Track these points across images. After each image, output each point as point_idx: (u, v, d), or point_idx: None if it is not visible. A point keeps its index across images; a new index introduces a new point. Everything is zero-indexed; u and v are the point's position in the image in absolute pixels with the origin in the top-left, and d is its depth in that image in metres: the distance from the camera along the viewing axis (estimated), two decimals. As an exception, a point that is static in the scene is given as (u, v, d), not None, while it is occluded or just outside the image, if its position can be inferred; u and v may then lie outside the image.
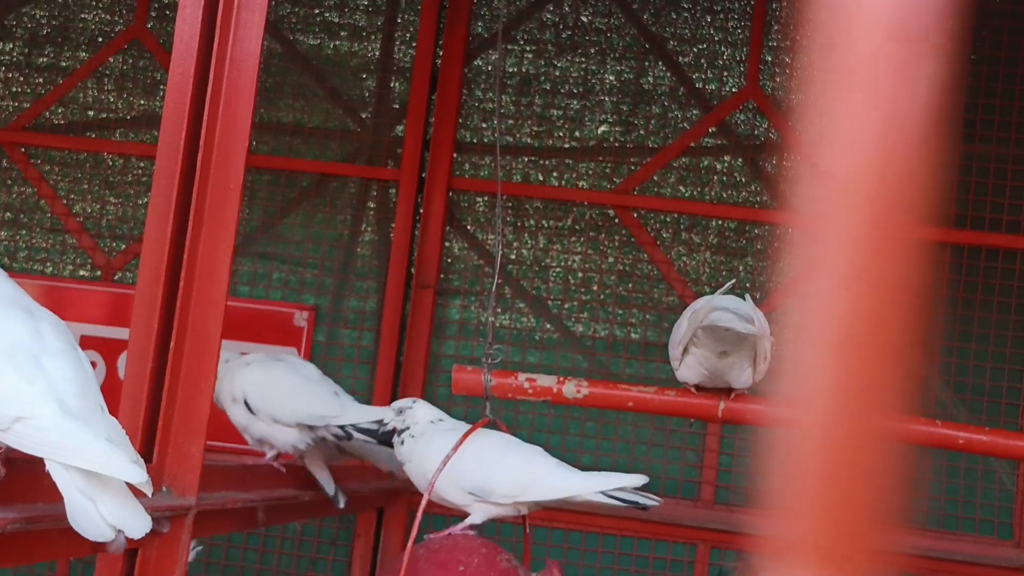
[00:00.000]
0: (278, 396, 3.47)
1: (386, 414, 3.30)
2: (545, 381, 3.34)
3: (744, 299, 3.20)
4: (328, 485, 3.63)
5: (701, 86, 5.31)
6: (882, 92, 0.49)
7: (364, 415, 3.45)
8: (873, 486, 0.40)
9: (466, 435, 3.06)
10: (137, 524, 2.07)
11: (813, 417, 0.45)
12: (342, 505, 3.73)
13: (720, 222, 5.23)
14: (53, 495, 2.27)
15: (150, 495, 2.15)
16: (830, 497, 0.40)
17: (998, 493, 4.97)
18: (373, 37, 5.50)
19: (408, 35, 5.46)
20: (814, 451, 0.42)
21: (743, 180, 5.27)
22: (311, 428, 3.49)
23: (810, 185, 0.46)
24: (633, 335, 5.18)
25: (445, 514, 3.21)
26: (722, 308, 3.08)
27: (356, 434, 3.42)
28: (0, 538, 2.09)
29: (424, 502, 3.04)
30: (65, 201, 5.41)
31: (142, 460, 2.09)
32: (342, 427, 3.45)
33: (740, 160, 5.27)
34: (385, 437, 3.29)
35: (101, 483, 2.01)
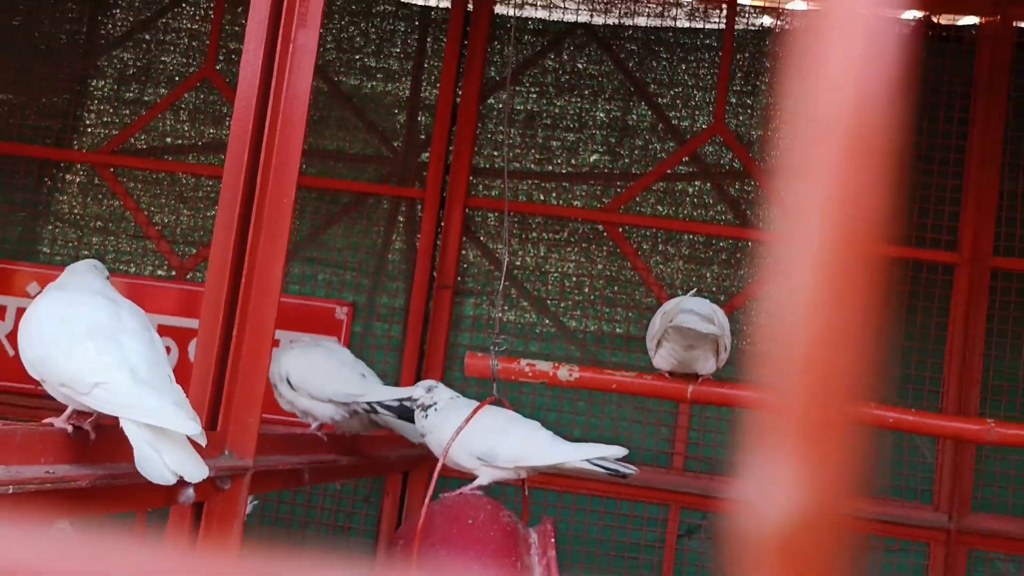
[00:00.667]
0: (313, 376, 3.45)
1: (414, 391, 3.28)
2: (543, 366, 3.34)
3: (708, 301, 3.21)
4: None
5: (676, 123, 5.31)
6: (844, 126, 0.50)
7: (386, 394, 3.43)
8: (838, 459, 0.40)
9: (476, 410, 3.07)
10: (195, 471, 2.06)
11: (786, 401, 0.44)
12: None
13: (691, 236, 5.23)
14: (132, 456, 2.29)
15: (204, 445, 2.11)
16: (802, 468, 0.39)
17: (921, 465, 4.98)
18: (403, 79, 5.50)
19: (433, 77, 5.45)
20: (787, 432, 0.42)
21: (710, 202, 5.26)
22: (343, 404, 3.47)
23: (785, 190, 0.49)
24: (618, 329, 5.18)
25: (457, 477, 3.22)
26: (687, 310, 3.09)
27: (380, 409, 3.41)
28: (89, 491, 2.09)
29: (439, 466, 3.07)
30: (146, 213, 5.39)
31: (198, 418, 2.08)
32: (368, 403, 3.44)
33: (708, 185, 5.27)
34: (405, 411, 3.29)
35: (166, 437, 2.02)
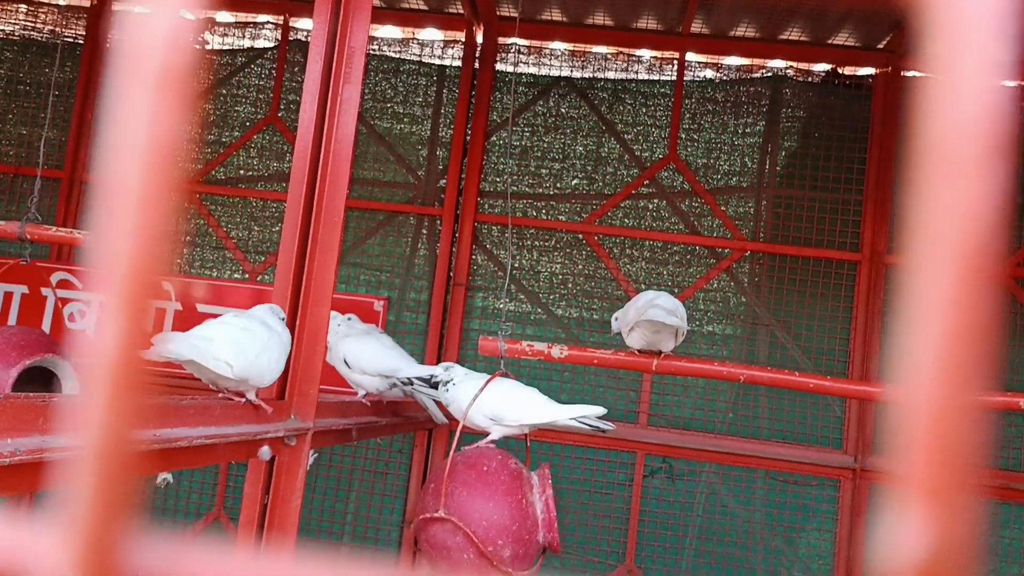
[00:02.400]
0: (366, 356, 3.50)
1: (435, 370, 3.31)
2: (540, 346, 3.34)
3: (672, 297, 3.22)
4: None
5: (639, 154, 5.32)
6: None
7: (420, 371, 3.43)
8: (964, 445, 0.38)
9: (488, 381, 3.10)
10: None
11: (918, 392, 0.42)
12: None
13: (651, 243, 5.24)
14: (220, 420, 2.31)
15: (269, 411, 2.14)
16: (934, 453, 0.38)
17: (832, 418, 5.01)
18: (425, 122, 5.51)
19: (448, 120, 5.47)
20: (920, 420, 0.40)
21: (666, 215, 5.27)
22: (386, 377, 3.51)
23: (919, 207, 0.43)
24: (595, 316, 5.20)
25: (472, 435, 3.24)
26: (656, 306, 3.11)
27: (416, 382, 3.41)
28: (190, 449, 2.11)
29: (460, 427, 3.08)
30: (224, 229, 5.41)
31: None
32: (407, 377, 3.45)
33: (664, 202, 5.28)
34: (434, 385, 3.32)
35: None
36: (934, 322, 0.18)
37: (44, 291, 4.92)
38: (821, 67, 5.30)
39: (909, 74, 5.12)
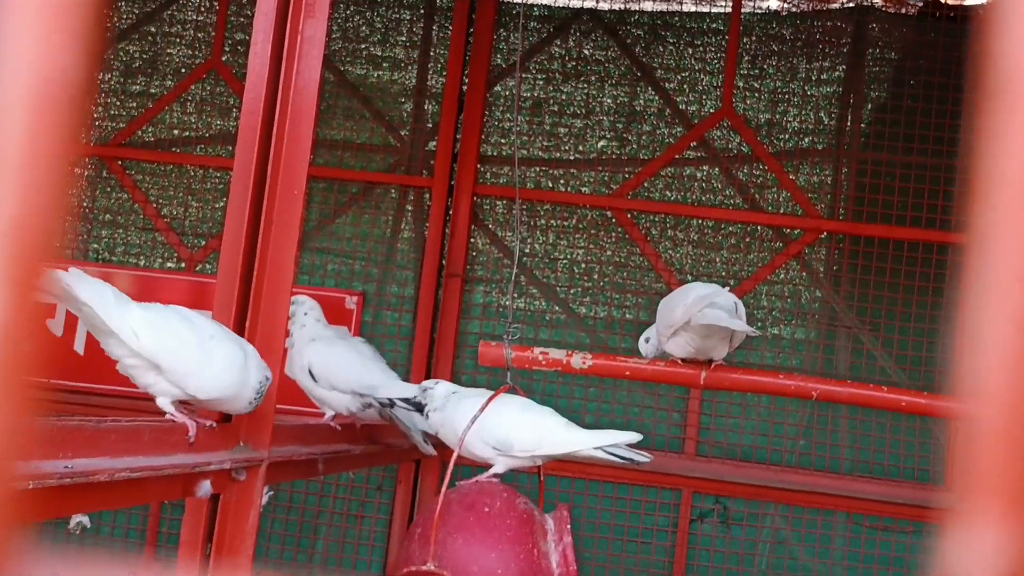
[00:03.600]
0: (337, 368, 3.48)
1: (415, 391, 3.30)
2: (556, 354, 3.35)
3: (725, 291, 3.21)
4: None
5: (684, 107, 5.31)
6: None
7: (403, 390, 3.42)
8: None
9: (490, 399, 3.06)
10: None
11: (992, 403, 0.43)
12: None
13: (700, 221, 5.23)
14: (150, 448, 2.32)
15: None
16: (1012, 465, 0.39)
17: (934, 447, 4.98)
18: (410, 67, 5.51)
19: (439, 66, 5.46)
20: (994, 432, 0.41)
21: (719, 186, 5.26)
22: (361, 395, 3.50)
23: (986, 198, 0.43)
24: (627, 316, 5.19)
25: (471, 466, 3.23)
26: (714, 305, 3.10)
27: (398, 402, 3.41)
28: (111, 484, 2.10)
29: (455, 455, 3.06)
30: (155, 205, 5.42)
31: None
32: (388, 398, 3.45)
33: (716, 169, 5.27)
34: (419, 407, 3.32)
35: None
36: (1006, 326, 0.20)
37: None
38: (918, -4, 5.26)
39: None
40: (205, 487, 2.53)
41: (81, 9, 0.24)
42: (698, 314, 3.06)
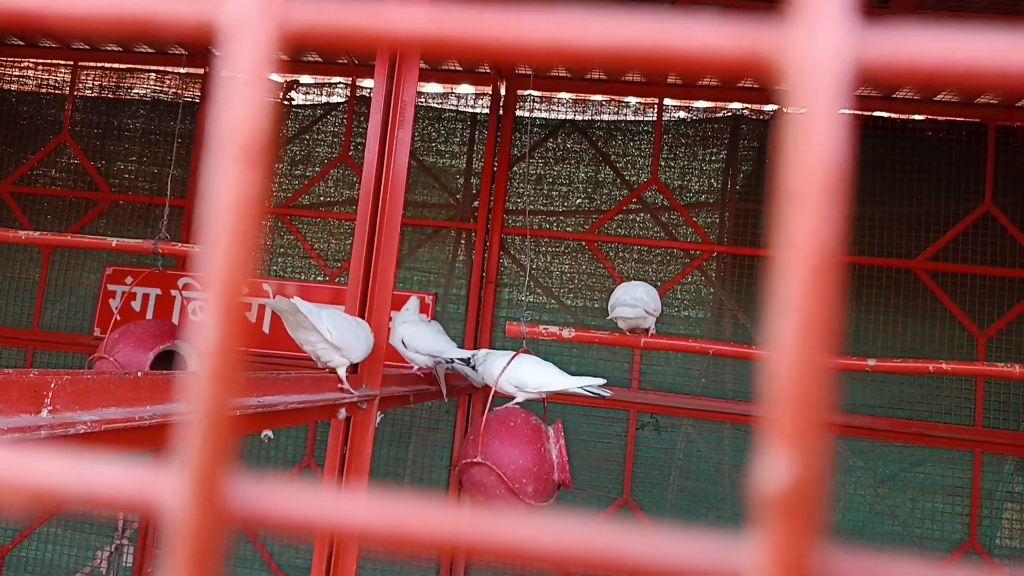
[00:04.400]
0: (419, 339, 3.47)
1: (468, 354, 3.31)
2: (553, 329, 3.36)
3: (641, 287, 3.16)
4: (443, 386, 3.63)
5: (628, 178, 5.30)
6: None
7: (459, 353, 3.42)
8: (817, 398, 0.39)
9: (513, 357, 3.11)
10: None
11: (784, 358, 0.43)
12: (446, 398, 3.76)
13: (639, 247, 5.22)
14: (308, 389, 2.33)
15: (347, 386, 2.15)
16: (796, 405, 0.38)
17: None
18: (461, 156, 5.51)
19: (480, 155, 5.46)
20: (784, 379, 0.41)
21: (650, 225, 5.26)
22: (433, 356, 3.48)
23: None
24: (596, 305, 5.17)
25: (501, 398, 3.25)
26: (624, 304, 3.08)
27: (457, 362, 3.41)
28: (286, 411, 2.12)
29: (492, 392, 3.11)
30: (309, 242, 5.44)
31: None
32: (449, 358, 3.44)
33: (648, 216, 5.26)
34: (470, 364, 3.32)
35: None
36: (794, 308, 0.20)
37: (173, 292, 4.99)
38: (771, 107, 5.26)
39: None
40: (342, 413, 2.54)
41: (264, 143, 0.26)
42: (613, 312, 3.08)
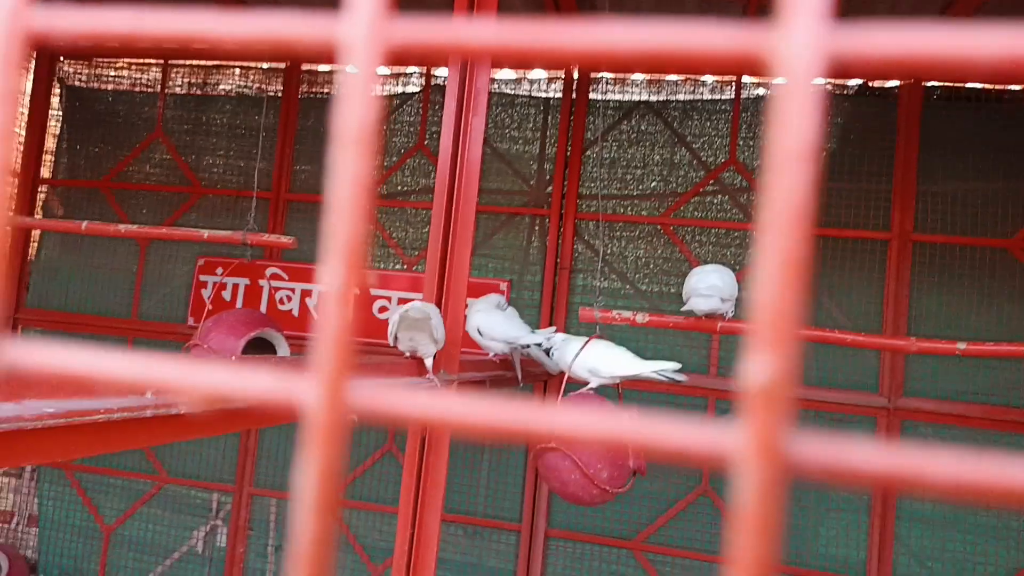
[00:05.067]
0: (495, 327, 3.48)
1: (542, 339, 3.30)
2: (626, 314, 3.36)
3: (716, 273, 3.11)
4: (518, 372, 3.61)
5: (705, 159, 5.23)
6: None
7: (534, 338, 3.40)
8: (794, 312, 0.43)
9: (587, 342, 3.13)
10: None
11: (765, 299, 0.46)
12: (521, 384, 3.71)
13: (716, 231, 5.16)
14: (394, 372, 2.42)
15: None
16: (775, 316, 0.42)
17: (868, 367, 4.82)
18: (535, 142, 5.53)
19: (552, 140, 5.48)
20: (769, 297, 0.44)
21: (728, 208, 5.18)
22: (508, 343, 3.48)
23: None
24: (672, 291, 5.13)
25: (575, 383, 3.25)
26: (698, 295, 3.03)
27: (532, 346, 3.42)
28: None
29: (566, 378, 3.14)
30: (388, 231, 5.57)
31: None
32: (525, 343, 3.45)
33: (726, 197, 5.19)
34: (546, 350, 3.33)
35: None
36: (775, 267, 0.24)
37: (261, 282, 5.21)
38: (854, 82, 5.08)
39: (928, 84, 4.86)
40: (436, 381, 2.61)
41: (373, 128, 0.31)
42: (685, 303, 3.05)
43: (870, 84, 5.06)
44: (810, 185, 0.25)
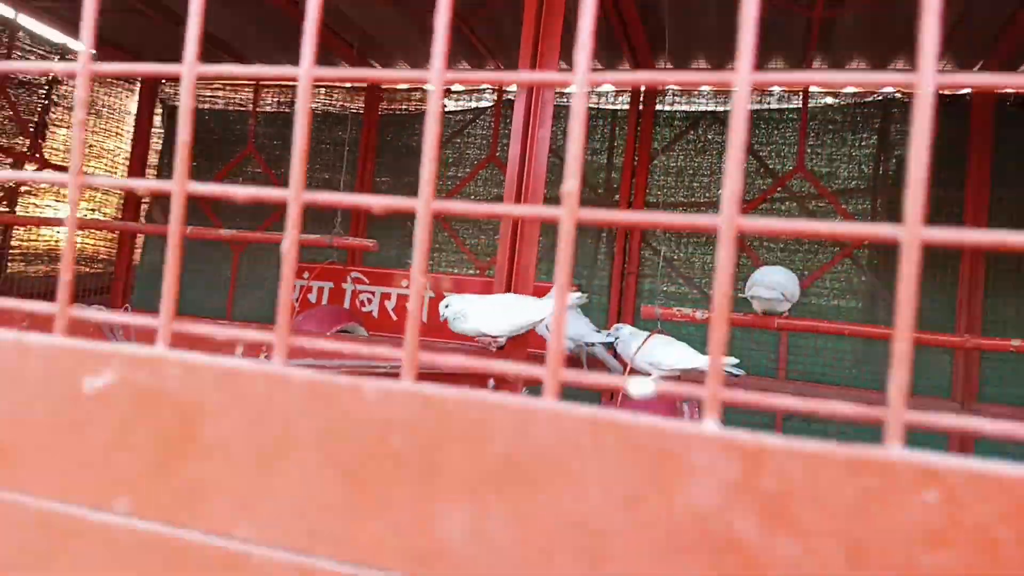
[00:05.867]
0: (567, 326, 3.57)
1: (606, 337, 3.41)
2: (686, 311, 3.46)
3: (778, 274, 3.21)
4: (584, 368, 3.72)
5: (772, 167, 5.29)
6: None
7: (599, 337, 3.51)
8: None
9: (648, 337, 3.24)
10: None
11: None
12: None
13: (783, 237, 5.21)
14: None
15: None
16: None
17: (941, 370, 4.78)
18: (602, 152, 5.67)
19: (620, 150, 5.62)
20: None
21: (795, 214, 5.21)
22: (575, 340, 3.61)
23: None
24: (739, 295, 5.19)
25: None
26: (758, 284, 3.12)
27: (597, 346, 3.54)
28: (446, 376, 2.40)
29: (628, 369, 3.23)
30: (461, 238, 5.80)
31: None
32: (590, 342, 3.57)
33: (794, 204, 5.25)
34: (609, 346, 3.45)
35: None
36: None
37: (344, 285, 5.54)
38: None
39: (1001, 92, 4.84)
40: (491, 383, 2.82)
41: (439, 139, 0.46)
42: (749, 291, 3.15)
43: (943, 92, 5.06)
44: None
